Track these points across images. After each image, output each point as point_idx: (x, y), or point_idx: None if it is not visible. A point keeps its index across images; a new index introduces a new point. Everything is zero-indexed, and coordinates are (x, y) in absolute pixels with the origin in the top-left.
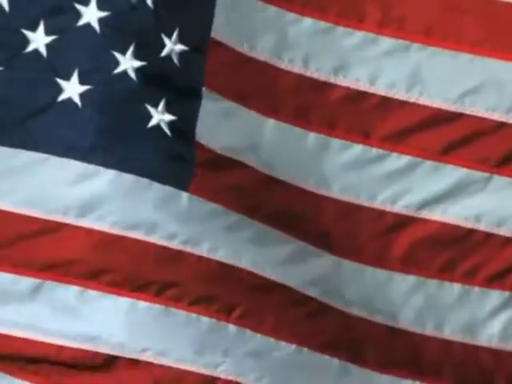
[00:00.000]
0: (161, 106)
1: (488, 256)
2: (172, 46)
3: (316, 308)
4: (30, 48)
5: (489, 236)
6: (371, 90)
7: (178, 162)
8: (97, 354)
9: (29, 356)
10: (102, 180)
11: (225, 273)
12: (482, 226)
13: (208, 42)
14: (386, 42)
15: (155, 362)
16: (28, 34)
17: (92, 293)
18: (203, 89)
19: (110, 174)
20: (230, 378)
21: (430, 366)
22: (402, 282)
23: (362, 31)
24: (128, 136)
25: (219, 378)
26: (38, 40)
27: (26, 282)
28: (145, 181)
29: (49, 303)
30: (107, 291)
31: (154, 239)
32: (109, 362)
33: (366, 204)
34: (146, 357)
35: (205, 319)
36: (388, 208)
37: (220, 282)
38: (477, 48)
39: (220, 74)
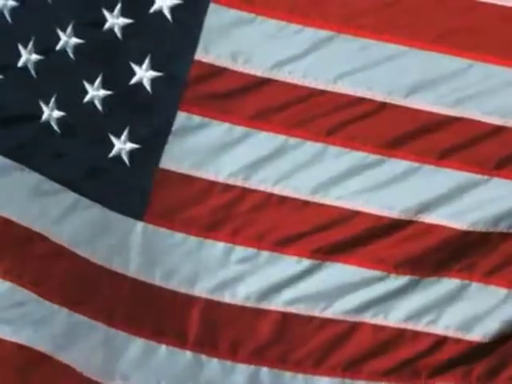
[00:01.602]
0: (124, 135)
1: (484, 253)
2: (143, 73)
3: None
4: (20, 63)
5: (486, 235)
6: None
7: (133, 190)
8: None
9: None
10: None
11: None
12: (479, 228)
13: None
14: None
15: None
16: (21, 49)
17: None
18: (179, 112)
19: (72, 196)
20: None
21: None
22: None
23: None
24: (90, 164)
25: None
26: (29, 57)
27: None
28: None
29: None
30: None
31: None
32: None
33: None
34: None
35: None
36: (386, 213)
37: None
38: (474, 54)
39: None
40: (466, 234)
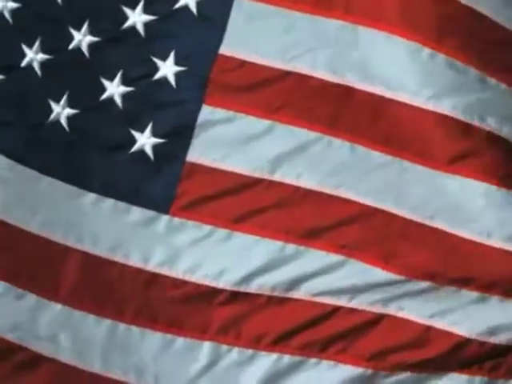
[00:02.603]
0: (147, 130)
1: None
2: (167, 68)
3: None
4: (24, 63)
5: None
6: None
7: (159, 185)
8: None
9: None
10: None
11: None
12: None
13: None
14: None
15: None
16: (25, 49)
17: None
18: (204, 106)
19: (92, 197)
20: None
21: None
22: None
23: None
24: (110, 160)
25: None
26: (34, 57)
27: None
28: (123, 205)
29: None
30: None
31: (130, 262)
32: None
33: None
34: None
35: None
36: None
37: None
38: None
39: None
40: None
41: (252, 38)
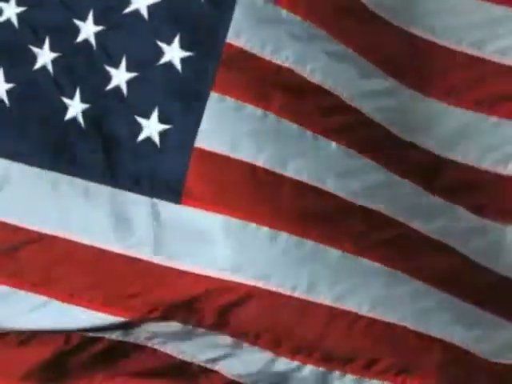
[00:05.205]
0: (153, 115)
1: None
2: (173, 52)
3: None
4: (38, 65)
5: None
6: None
7: (167, 172)
8: None
9: None
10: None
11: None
12: None
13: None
14: None
15: None
16: (35, 50)
17: None
18: (211, 93)
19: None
20: None
21: None
22: None
23: None
24: (118, 148)
25: None
26: (45, 56)
27: None
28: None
29: None
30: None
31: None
32: None
33: None
34: None
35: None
36: None
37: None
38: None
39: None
40: None
41: (257, 31)
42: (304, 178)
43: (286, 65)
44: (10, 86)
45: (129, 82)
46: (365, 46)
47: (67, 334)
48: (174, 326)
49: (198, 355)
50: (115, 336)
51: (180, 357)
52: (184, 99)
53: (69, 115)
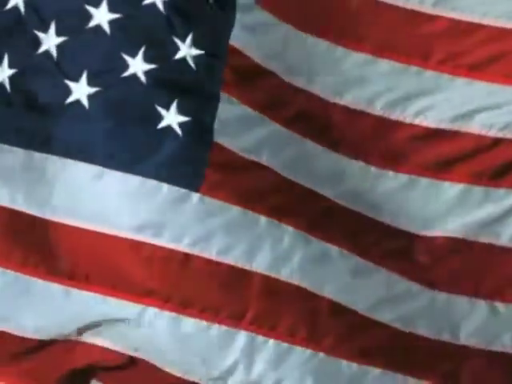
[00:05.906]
0: (173, 107)
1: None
2: (187, 49)
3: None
4: (41, 49)
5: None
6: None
7: (188, 162)
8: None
9: None
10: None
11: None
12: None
13: (227, 49)
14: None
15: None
16: (40, 35)
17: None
18: (221, 93)
19: (117, 175)
20: None
21: None
22: None
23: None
24: (136, 137)
25: None
26: (50, 41)
27: None
28: (153, 182)
29: None
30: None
31: (161, 242)
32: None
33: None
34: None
35: (214, 326)
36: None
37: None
38: (474, 72)
39: (238, 82)
40: None
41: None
42: None
43: None
44: (12, 71)
45: (146, 73)
46: None
47: None
48: None
49: None
50: None
51: None
52: (199, 94)
53: (71, 98)
